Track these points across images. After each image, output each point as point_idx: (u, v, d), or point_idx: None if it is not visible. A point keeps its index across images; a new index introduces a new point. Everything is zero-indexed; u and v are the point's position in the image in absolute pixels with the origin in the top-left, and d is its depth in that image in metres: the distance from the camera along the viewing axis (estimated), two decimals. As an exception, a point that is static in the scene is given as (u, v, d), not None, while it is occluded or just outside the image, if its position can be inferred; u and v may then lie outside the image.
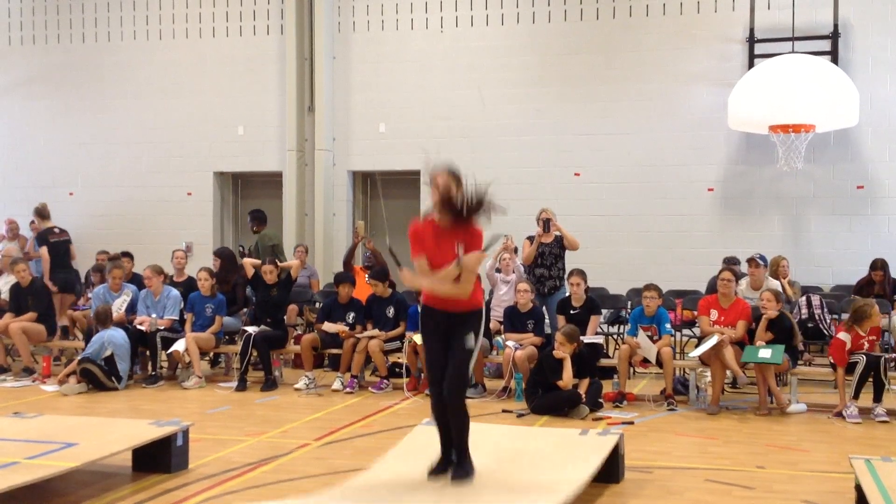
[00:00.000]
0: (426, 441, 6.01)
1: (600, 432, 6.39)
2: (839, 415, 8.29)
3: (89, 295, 11.45)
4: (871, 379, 8.31)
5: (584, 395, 8.47)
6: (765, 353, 8.49)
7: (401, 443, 6.23)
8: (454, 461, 5.41)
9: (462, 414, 5.38)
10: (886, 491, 4.95)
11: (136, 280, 11.30)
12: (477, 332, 5.41)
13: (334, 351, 10.15)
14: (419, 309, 5.52)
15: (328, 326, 10.00)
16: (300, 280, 11.62)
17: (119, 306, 10.62)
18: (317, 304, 11.68)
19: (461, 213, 5.27)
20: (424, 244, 5.38)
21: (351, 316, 10.12)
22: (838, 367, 8.55)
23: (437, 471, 5.41)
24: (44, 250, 12.47)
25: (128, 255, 12.29)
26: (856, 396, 8.28)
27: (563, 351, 8.56)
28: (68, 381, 9.69)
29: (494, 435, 6.74)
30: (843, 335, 8.59)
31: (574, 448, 6.10)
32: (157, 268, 10.65)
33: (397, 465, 5.74)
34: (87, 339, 10.19)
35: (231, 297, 10.93)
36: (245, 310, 11.19)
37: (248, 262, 10.64)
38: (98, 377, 9.63)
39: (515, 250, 10.85)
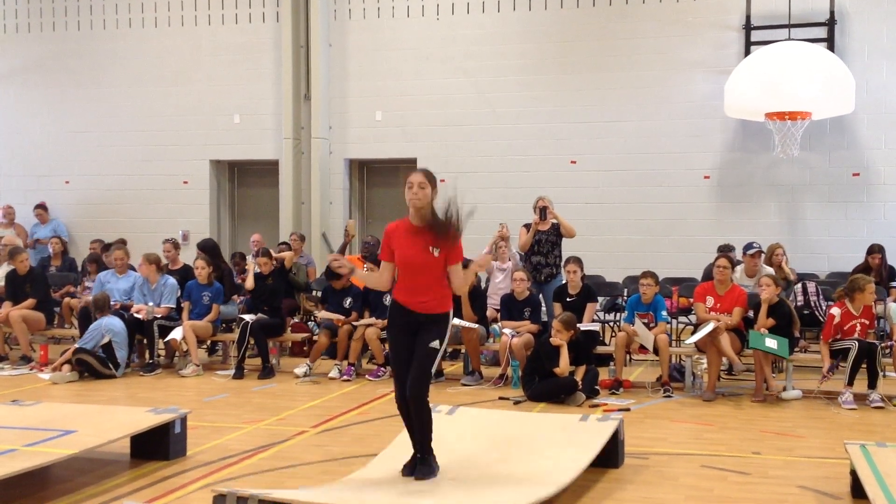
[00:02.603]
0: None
1: (600, 418, 6.43)
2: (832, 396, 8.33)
3: (86, 283, 11.44)
4: (864, 366, 8.34)
5: (580, 383, 8.49)
6: (771, 344, 8.49)
7: (402, 434, 6.24)
8: (418, 458, 5.43)
9: (424, 411, 5.41)
10: (881, 476, 4.98)
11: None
12: (442, 336, 5.46)
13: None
14: (389, 303, 5.57)
15: (325, 314, 10.01)
16: (296, 268, 11.65)
17: (128, 292, 10.64)
18: (313, 293, 11.70)
19: (437, 228, 5.37)
20: (397, 247, 5.46)
21: (348, 301, 10.15)
22: (822, 340, 8.67)
23: (410, 469, 5.44)
24: None
25: (123, 242, 12.27)
26: (850, 383, 8.31)
27: (560, 338, 8.58)
28: (61, 370, 9.69)
29: (495, 420, 6.78)
30: (834, 310, 8.68)
31: (575, 433, 6.14)
32: (154, 256, 10.65)
33: (398, 458, 5.76)
34: (83, 325, 10.19)
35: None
36: (241, 298, 11.21)
37: (249, 282, 10.67)
38: (94, 366, 9.64)
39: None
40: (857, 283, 8.61)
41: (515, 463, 5.60)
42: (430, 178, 5.42)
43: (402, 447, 5.82)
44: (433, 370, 5.48)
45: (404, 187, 5.39)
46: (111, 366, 9.71)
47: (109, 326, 9.77)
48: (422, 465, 5.40)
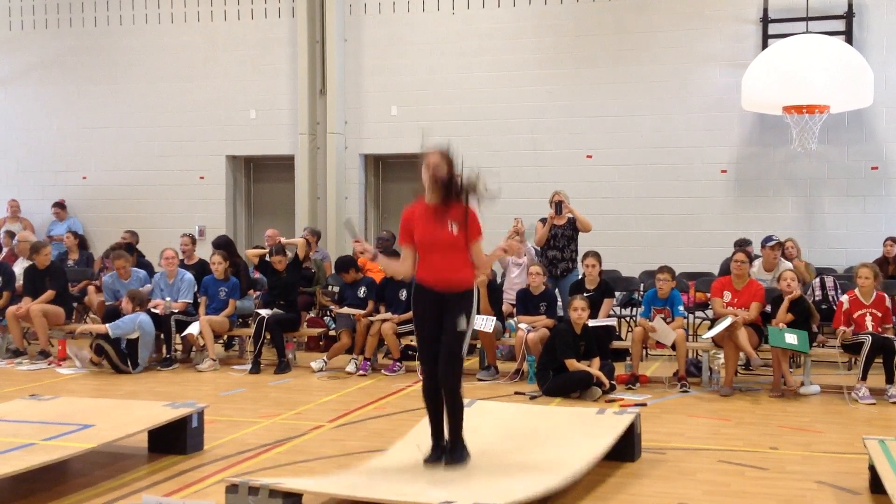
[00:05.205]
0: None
1: (617, 412, 6.45)
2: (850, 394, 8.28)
3: (104, 278, 11.46)
4: (879, 360, 8.27)
5: (598, 377, 8.37)
6: (791, 339, 8.44)
7: (417, 426, 6.27)
8: (448, 446, 5.41)
9: (457, 397, 5.39)
10: (900, 471, 4.95)
11: (141, 266, 11.46)
12: (468, 313, 5.42)
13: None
14: (413, 287, 5.57)
15: (345, 310, 10.02)
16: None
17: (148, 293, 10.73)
18: (329, 287, 11.72)
19: (450, 192, 5.37)
20: (416, 228, 5.47)
21: (362, 291, 10.20)
22: (833, 326, 8.74)
23: (432, 459, 5.42)
24: None
25: (130, 245, 12.28)
26: (863, 378, 8.24)
27: (584, 317, 8.54)
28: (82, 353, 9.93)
29: (512, 413, 6.84)
30: (843, 297, 8.72)
31: (591, 426, 6.17)
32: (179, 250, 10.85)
33: (412, 449, 5.77)
34: (106, 320, 10.17)
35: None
36: (257, 293, 11.24)
37: (252, 254, 10.66)
38: (111, 357, 9.70)
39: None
40: (855, 271, 8.65)
41: (529, 452, 5.63)
42: (447, 156, 5.41)
43: (419, 436, 5.85)
44: (464, 352, 5.44)
45: (421, 168, 5.40)
46: (129, 362, 9.74)
47: (142, 324, 9.80)
48: (452, 452, 5.37)
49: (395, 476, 5.21)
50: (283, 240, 10.89)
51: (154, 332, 9.98)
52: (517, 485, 4.86)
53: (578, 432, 6.02)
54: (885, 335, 8.37)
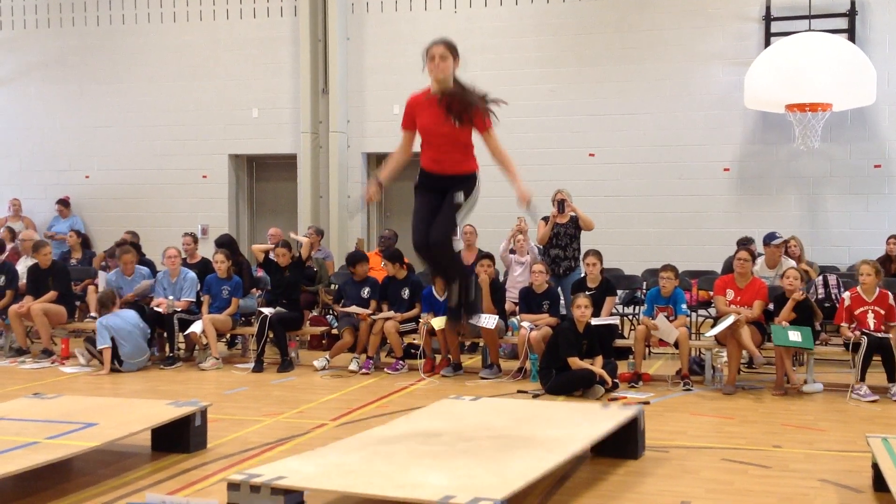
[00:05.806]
0: (447, 410, 6.36)
1: (622, 407, 6.51)
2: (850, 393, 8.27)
3: (108, 276, 11.47)
4: (878, 359, 8.26)
5: (601, 375, 8.37)
6: (795, 337, 8.45)
7: (422, 409, 6.33)
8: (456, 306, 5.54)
9: (448, 254, 5.44)
10: (904, 469, 4.95)
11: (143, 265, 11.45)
12: (469, 193, 5.46)
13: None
14: (418, 177, 5.58)
15: (347, 309, 10.03)
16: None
17: (144, 290, 10.70)
18: (332, 286, 11.72)
19: (456, 87, 5.35)
20: (418, 117, 5.51)
21: (366, 291, 10.19)
22: (835, 322, 8.73)
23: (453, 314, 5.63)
24: None
25: (132, 243, 12.27)
26: (861, 378, 8.23)
27: (588, 315, 8.53)
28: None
29: (516, 404, 7.02)
30: (845, 294, 8.73)
31: (593, 414, 6.27)
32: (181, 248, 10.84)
33: (414, 424, 5.91)
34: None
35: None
36: (258, 291, 11.25)
37: (257, 249, 10.69)
38: (97, 357, 9.85)
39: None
40: (858, 268, 8.64)
41: (528, 430, 5.70)
42: (452, 48, 5.37)
43: (421, 416, 5.94)
44: (458, 221, 5.47)
45: (426, 60, 5.35)
46: (115, 361, 9.75)
47: (111, 324, 9.79)
48: (467, 307, 5.54)
49: (394, 446, 5.28)
50: (292, 234, 10.89)
51: (131, 326, 9.91)
52: (516, 469, 4.80)
53: (580, 420, 6.10)
54: (886, 334, 8.35)
